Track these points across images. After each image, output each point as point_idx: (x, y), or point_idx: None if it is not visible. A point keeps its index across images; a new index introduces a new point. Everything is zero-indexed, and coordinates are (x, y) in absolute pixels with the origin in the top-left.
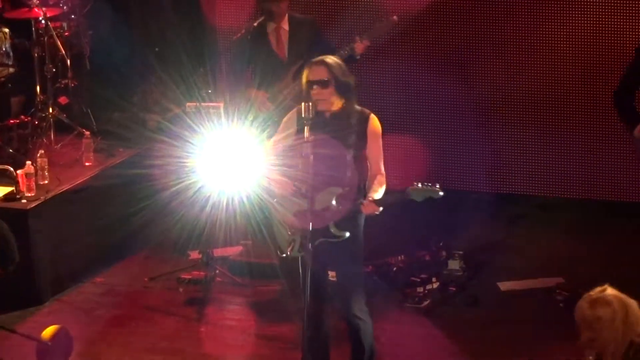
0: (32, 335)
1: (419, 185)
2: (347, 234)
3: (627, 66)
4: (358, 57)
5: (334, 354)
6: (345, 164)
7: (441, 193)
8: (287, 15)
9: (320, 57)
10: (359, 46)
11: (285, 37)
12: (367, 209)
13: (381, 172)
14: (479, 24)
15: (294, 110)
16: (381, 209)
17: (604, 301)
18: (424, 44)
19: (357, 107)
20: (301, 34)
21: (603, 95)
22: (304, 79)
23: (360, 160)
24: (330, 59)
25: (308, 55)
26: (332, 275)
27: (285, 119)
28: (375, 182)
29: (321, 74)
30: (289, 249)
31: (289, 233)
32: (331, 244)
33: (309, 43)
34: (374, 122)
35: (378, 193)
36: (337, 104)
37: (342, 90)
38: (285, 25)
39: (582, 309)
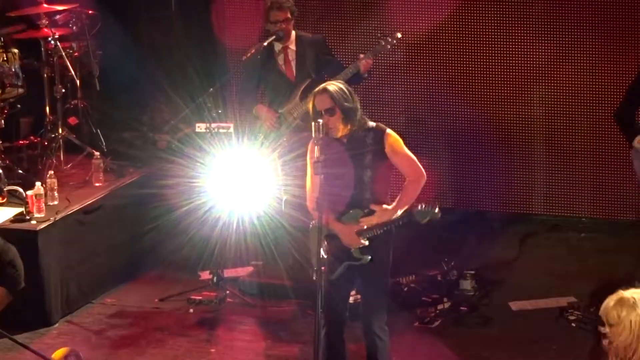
0: (45, 355)
1: (422, 207)
2: (369, 258)
3: (632, 82)
4: (365, 75)
5: None
6: (363, 186)
7: (439, 214)
8: (294, 34)
9: (323, 86)
10: (364, 64)
11: (292, 57)
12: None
13: (415, 176)
14: (491, 44)
15: (310, 145)
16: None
17: (630, 303)
18: (431, 65)
19: (371, 124)
20: (309, 53)
21: (611, 114)
22: (310, 108)
23: (380, 179)
24: (333, 86)
25: (317, 75)
26: (354, 297)
27: (309, 158)
28: (402, 195)
29: (325, 102)
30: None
31: (323, 256)
32: (355, 266)
33: (317, 62)
34: (391, 138)
35: (394, 204)
36: (343, 128)
37: (348, 114)
38: (293, 45)
39: (607, 305)
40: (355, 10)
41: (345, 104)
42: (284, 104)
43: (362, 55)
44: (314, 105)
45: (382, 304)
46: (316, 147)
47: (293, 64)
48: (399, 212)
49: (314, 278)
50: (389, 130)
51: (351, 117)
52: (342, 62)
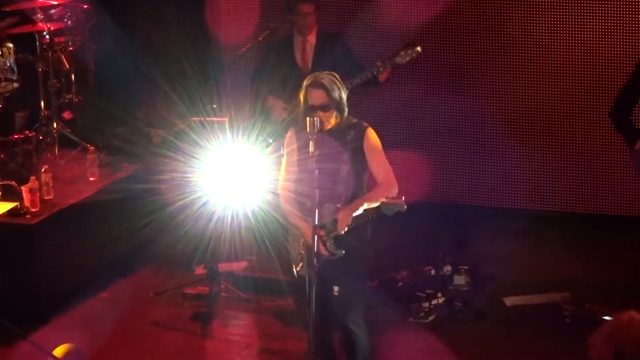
0: (45, 349)
1: (388, 199)
2: (343, 252)
3: (625, 82)
4: (381, 81)
5: None
6: (338, 180)
7: (405, 206)
8: (315, 29)
9: (317, 80)
10: (383, 76)
11: (311, 50)
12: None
13: (387, 180)
14: (482, 42)
15: (289, 133)
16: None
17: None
18: (431, 60)
19: (354, 120)
20: (327, 47)
21: (604, 111)
22: (301, 99)
23: (356, 175)
24: (326, 80)
25: (334, 70)
26: (336, 290)
27: (285, 146)
28: (372, 193)
29: (321, 98)
30: (298, 268)
31: (300, 251)
32: (335, 260)
33: (334, 57)
34: (371, 135)
35: (364, 201)
36: (333, 121)
37: (340, 109)
38: (312, 39)
39: (602, 330)
40: (373, 10)
41: (338, 99)
42: (294, 96)
43: (379, 63)
44: (306, 98)
45: (357, 299)
46: (311, 142)
47: (310, 57)
48: (361, 209)
49: (295, 275)
50: (370, 129)
51: (342, 111)
52: (359, 61)
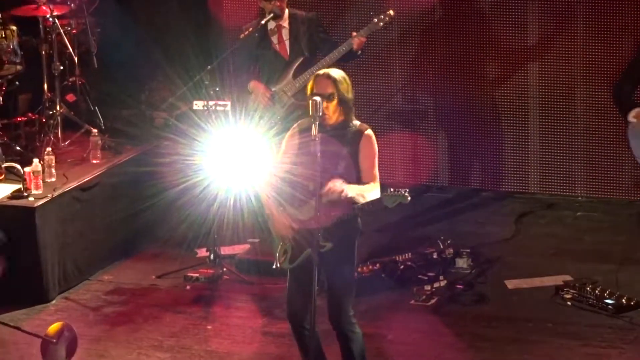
0: (36, 333)
1: (391, 191)
2: (330, 245)
3: (631, 61)
4: (359, 53)
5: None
6: (334, 177)
7: (409, 198)
8: (287, 12)
9: (326, 70)
10: (356, 42)
11: (286, 35)
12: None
13: (372, 182)
14: (481, 23)
15: (295, 127)
16: (345, 191)
17: None
18: (428, 44)
19: (356, 122)
20: (302, 31)
21: (608, 95)
22: (308, 90)
23: (350, 173)
24: (337, 73)
25: (310, 53)
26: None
27: (288, 136)
28: (360, 186)
29: (326, 87)
30: (281, 261)
31: (281, 243)
32: (323, 253)
33: (310, 40)
34: (368, 139)
35: (355, 188)
36: (336, 117)
37: (344, 105)
38: (286, 24)
39: None
40: None
41: (345, 94)
42: (278, 83)
43: (354, 34)
44: (312, 88)
45: (347, 296)
46: (313, 125)
47: (287, 42)
48: (349, 194)
49: (277, 266)
50: (370, 131)
51: (346, 108)
52: (336, 40)
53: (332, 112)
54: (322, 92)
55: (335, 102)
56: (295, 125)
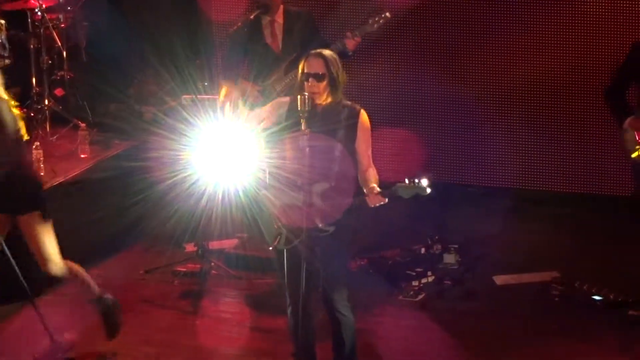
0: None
1: (407, 182)
2: (332, 229)
3: (622, 62)
4: (351, 53)
5: (317, 348)
6: (333, 159)
7: (429, 190)
8: (281, 8)
9: (318, 50)
10: (351, 42)
11: (279, 31)
12: (374, 201)
13: (371, 165)
14: (471, 18)
15: (289, 98)
16: (387, 199)
17: None
18: (417, 38)
19: (347, 102)
20: (296, 27)
21: (594, 90)
22: (299, 70)
23: (349, 154)
24: (328, 53)
25: (302, 49)
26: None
27: (279, 99)
28: (370, 175)
29: (318, 67)
30: (275, 242)
31: (276, 226)
32: (317, 237)
33: (303, 37)
34: (364, 117)
35: (376, 183)
36: (327, 98)
37: (335, 86)
38: (280, 19)
39: None
40: None
41: (335, 75)
42: (268, 77)
43: (349, 34)
44: (304, 67)
45: (342, 279)
46: (302, 120)
47: (280, 37)
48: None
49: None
50: (363, 111)
51: (336, 89)
52: (327, 39)
53: (322, 92)
54: (313, 72)
55: (325, 81)
56: (285, 99)
